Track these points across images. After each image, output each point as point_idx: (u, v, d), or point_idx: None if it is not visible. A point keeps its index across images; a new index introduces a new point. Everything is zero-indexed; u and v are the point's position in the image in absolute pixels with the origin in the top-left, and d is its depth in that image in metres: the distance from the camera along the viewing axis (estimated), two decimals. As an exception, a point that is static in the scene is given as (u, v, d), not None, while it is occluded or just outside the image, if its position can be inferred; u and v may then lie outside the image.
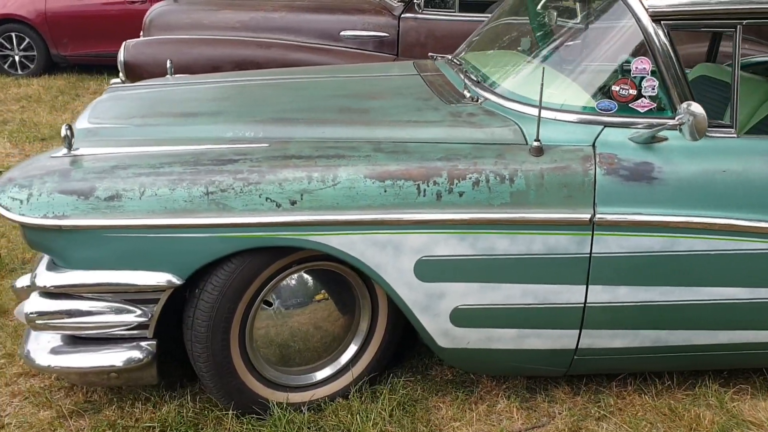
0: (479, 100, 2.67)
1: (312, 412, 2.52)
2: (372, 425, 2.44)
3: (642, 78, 2.41)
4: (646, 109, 2.42)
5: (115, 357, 2.36)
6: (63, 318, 2.32)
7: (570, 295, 2.41)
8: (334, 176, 2.29)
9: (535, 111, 2.42)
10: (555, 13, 3.11)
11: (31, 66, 8.81)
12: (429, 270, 2.35)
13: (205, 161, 2.32)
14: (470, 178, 2.30)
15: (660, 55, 2.39)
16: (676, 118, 2.28)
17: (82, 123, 2.69)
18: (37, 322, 2.32)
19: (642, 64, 2.40)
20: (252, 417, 2.48)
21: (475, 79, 2.85)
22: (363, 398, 2.58)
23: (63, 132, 2.37)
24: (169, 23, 5.68)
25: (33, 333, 2.49)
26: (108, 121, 2.68)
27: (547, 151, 2.36)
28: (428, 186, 2.30)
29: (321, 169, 2.30)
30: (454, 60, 3.31)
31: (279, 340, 2.55)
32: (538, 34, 3.15)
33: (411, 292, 2.37)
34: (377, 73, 3.37)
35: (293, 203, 2.27)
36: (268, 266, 2.38)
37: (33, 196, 2.25)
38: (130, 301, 2.33)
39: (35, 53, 8.77)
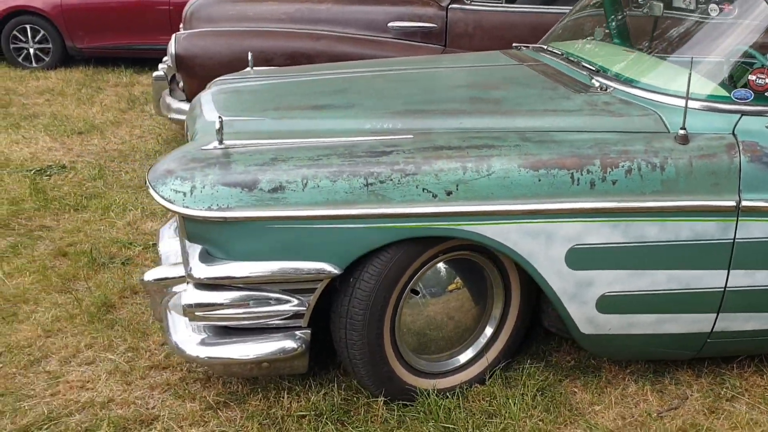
0: (608, 89, 2.71)
1: (455, 397, 2.55)
2: (518, 409, 2.49)
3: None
4: (774, 95, 2.49)
5: (269, 347, 2.38)
6: (222, 309, 2.33)
7: (711, 279, 2.47)
8: (488, 166, 2.33)
9: (672, 100, 2.48)
10: (660, 4, 3.16)
11: (46, 59, 8.69)
12: (580, 258, 2.40)
13: (360, 153, 2.34)
14: (623, 167, 2.35)
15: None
16: (819, 107, 2.35)
17: (211, 116, 2.69)
18: (196, 313, 2.33)
19: (778, 54, 2.47)
20: (399, 404, 2.51)
21: (593, 69, 2.90)
22: (501, 384, 2.62)
23: (216, 125, 2.37)
24: (213, 15, 5.64)
25: (179, 323, 2.50)
26: (241, 114, 2.68)
27: (692, 139, 2.42)
28: (582, 175, 2.34)
29: (474, 159, 2.34)
30: (550, 49, 3.35)
31: (416, 327, 2.58)
32: (653, 25, 3.21)
33: (561, 280, 2.42)
34: (475, 64, 3.40)
35: (449, 193, 2.31)
36: (419, 256, 2.41)
37: (196, 189, 2.25)
38: (288, 291, 2.35)
39: (50, 46, 8.65)
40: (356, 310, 2.38)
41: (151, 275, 2.72)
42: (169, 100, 5.46)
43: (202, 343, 2.42)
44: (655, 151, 2.39)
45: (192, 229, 2.32)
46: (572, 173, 2.34)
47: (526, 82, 2.93)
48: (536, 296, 2.67)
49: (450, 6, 5.51)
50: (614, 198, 2.35)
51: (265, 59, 5.24)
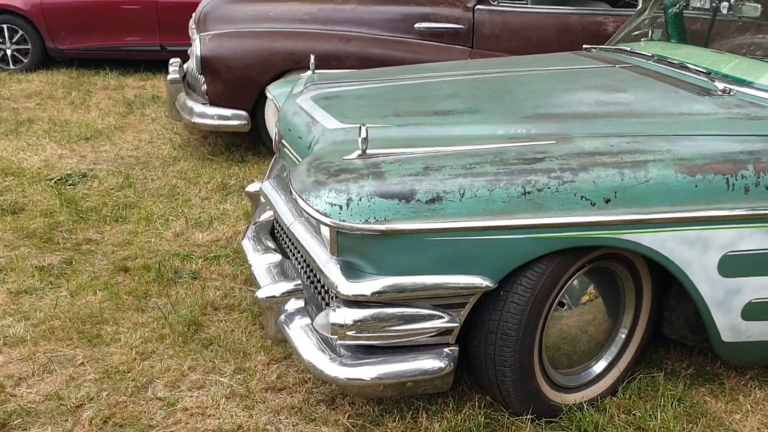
0: (731, 92, 2.68)
1: (596, 411, 2.48)
2: (663, 421, 2.42)
3: None
4: None
5: (417, 365, 2.25)
6: (374, 327, 2.19)
7: None
8: (645, 173, 2.26)
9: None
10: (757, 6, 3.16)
11: (25, 60, 8.26)
12: (732, 265, 2.35)
13: (512, 160, 2.24)
14: (748, 168, 2.32)
15: None
16: None
17: (331, 123, 2.55)
18: (348, 333, 2.19)
19: None
20: (543, 420, 2.42)
21: (703, 71, 2.86)
22: (635, 395, 2.56)
23: (362, 133, 2.24)
24: (231, 16, 5.44)
25: (308, 342, 2.36)
26: (361, 122, 2.54)
27: (833, 142, 2.40)
28: (736, 180, 2.30)
29: (630, 165, 2.26)
30: (636, 51, 3.31)
31: (557, 341, 2.49)
32: (731, 26, 3.20)
33: (711, 287, 2.37)
34: (564, 66, 3.31)
35: (607, 201, 2.23)
36: (571, 266, 2.33)
37: (353, 201, 2.11)
38: (439, 307, 2.24)
39: (29, 47, 8.23)
40: (509, 325, 2.28)
41: (264, 293, 2.57)
42: (191, 103, 5.23)
43: (342, 363, 2.28)
44: (791, 153, 2.36)
45: (345, 242, 2.17)
46: (727, 178, 2.29)
47: (640, 85, 2.87)
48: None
49: (476, 7, 5.44)
50: (767, 203, 2.32)
51: (294, 60, 5.09)
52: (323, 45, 5.17)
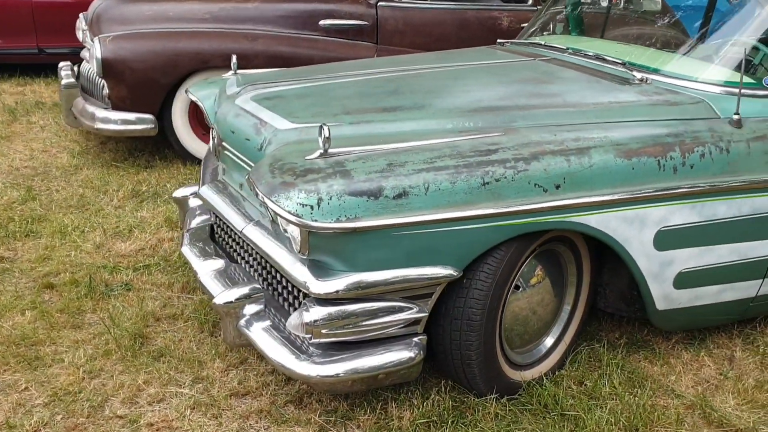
0: (647, 81, 2.89)
1: (549, 382, 2.62)
2: (613, 388, 2.61)
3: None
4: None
5: (389, 357, 2.30)
6: (347, 322, 2.23)
7: (763, 248, 2.74)
8: (588, 158, 2.41)
9: (714, 88, 2.72)
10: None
11: None
12: (665, 240, 2.56)
13: (469, 153, 2.33)
14: (697, 151, 2.54)
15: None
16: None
17: (283, 124, 2.54)
18: (322, 330, 2.21)
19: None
20: (507, 399, 2.53)
21: (619, 62, 3.07)
22: (583, 367, 2.73)
23: (321, 133, 2.25)
24: (128, 17, 5.22)
25: (273, 343, 2.37)
26: (312, 121, 2.55)
27: (743, 123, 2.66)
28: (666, 161, 2.50)
29: (575, 152, 2.41)
30: (548, 45, 3.50)
31: (512, 322, 2.60)
32: (633, 19, 3.45)
33: (648, 262, 2.56)
34: (489, 60, 3.42)
35: (557, 187, 2.37)
36: (526, 251, 2.45)
37: (323, 201, 2.13)
38: (407, 298, 2.30)
39: None
40: (473, 311, 2.37)
41: (221, 299, 2.53)
42: (92, 109, 4.99)
43: (314, 361, 2.29)
44: (720, 136, 2.60)
45: (316, 242, 2.19)
46: (658, 160, 2.49)
47: (565, 76, 3.04)
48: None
49: (379, 3, 5.52)
50: (692, 181, 2.54)
51: (201, 61, 4.98)
52: (230, 44, 5.07)
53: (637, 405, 2.51)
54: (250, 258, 2.74)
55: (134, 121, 4.96)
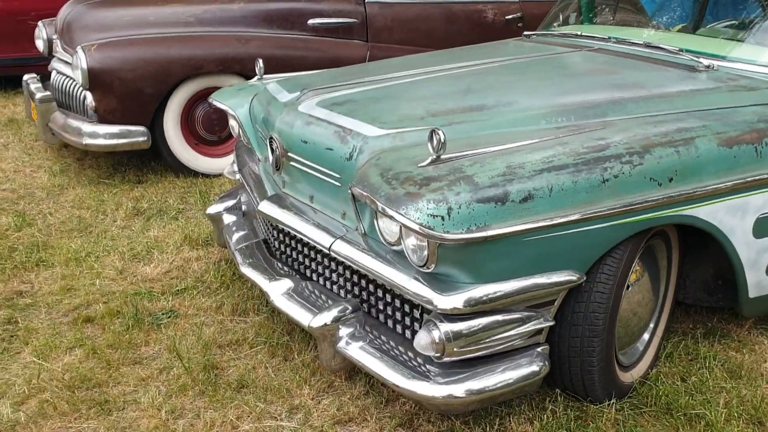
0: (714, 68, 2.86)
1: (655, 381, 2.55)
2: (716, 383, 2.56)
3: None
4: None
5: (519, 371, 2.17)
6: (477, 338, 2.09)
7: None
8: (696, 149, 2.35)
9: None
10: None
11: None
12: (763, 226, 2.52)
13: (582, 150, 2.23)
14: (777, 137, 2.52)
15: None
16: None
17: (372, 131, 2.38)
18: (454, 348, 2.06)
19: None
20: (618, 402, 2.44)
21: (675, 50, 3.02)
22: (677, 363, 2.67)
23: (435, 138, 2.10)
24: (105, 23, 4.88)
25: (389, 365, 2.21)
26: (400, 126, 2.40)
27: (821, 104, 2.65)
28: (763, 147, 2.46)
29: (681, 143, 2.34)
30: (584, 34, 3.43)
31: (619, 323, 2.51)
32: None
33: (748, 250, 2.52)
34: (534, 54, 3.31)
35: (670, 180, 2.29)
36: (638, 248, 2.37)
37: (453, 210, 1.98)
38: (531, 308, 2.18)
39: None
40: (596, 315, 2.27)
41: (318, 322, 2.36)
42: (76, 123, 4.65)
43: (437, 382, 2.14)
44: (805, 119, 2.59)
45: (444, 254, 2.03)
46: (755, 147, 2.45)
47: (631, 66, 2.97)
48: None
49: (366, 0, 5.36)
50: (786, 166, 2.51)
51: (194, 67, 4.71)
52: (223, 49, 4.82)
53: (754, 397, 2.46)
54: (334, 274, 2.56)
55: (125, 134, 4.64)
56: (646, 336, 2.68)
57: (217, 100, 3.41)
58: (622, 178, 2.21)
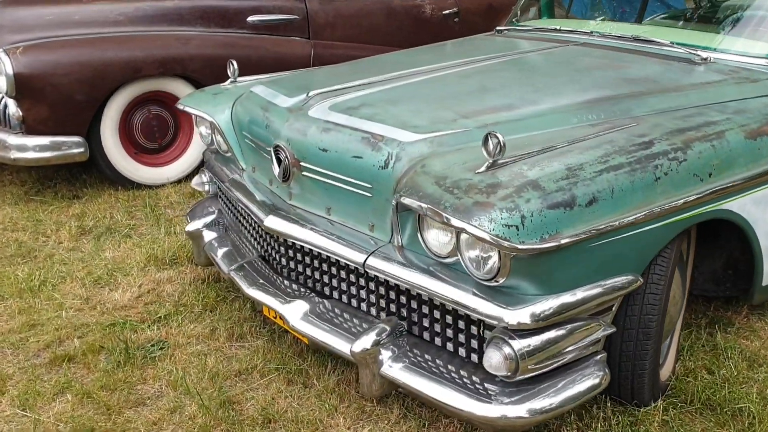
0: (711, 60, 2.88)
1: (689, 376, 2.54)
2: (741, 370, 2.58)
3: None
4: None
5: (586, 382, 2.08)
6: (548, 352, 1.97)
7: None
8: (727, 142, 2.34)
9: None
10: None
11: None
12: (781, 216, 2.56)
13: (629, 148, 2.16)
14: (798, 126, 2.56)
15: None
16: None
17: (407, 136, 2.21)
18: (528, 366, 1.94)
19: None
20: (660, 404, 2.40)
21: (665, 43, 3.03)
22: (703, 356, 2.68)
23: (492, 141, 1.97)
24: (24, 23, 4.41)
25: (442, 387, 2.07)
26: (437, 129, 2.24)
27: (817, 94, 2.72)
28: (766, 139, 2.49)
29: (714, 137, 2.32)
30: (568, 30, 3.40)
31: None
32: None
33: (766, 239, 2.55)
34: (527, 50, 3.23)
35: (710, 175, 2.27)
36: (681, 246, 2.33)
37: (526, 219, 1.86)
38: (593, 315, 2.09)
39: None
40: (650, 318, 2.21)
41: (359, 347, 2.17)
42: (1, 136, 4.16)
43: (502, 402, 2.01)
44: (808, 108, 2.64)
45: (517, 266, 1.90)
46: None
47: (632, 60, 2.93)
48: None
49: (306, -5, 5.15)
50: (799, 155, 2.55)
51: (134, 70, 4.34)
52: (163, 49, 4.47)
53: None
54: (362, 291, 2.37)
55: (59, 146, 4.22)
56: (675, 332, 2.67)
57: (190, 106, 3.12)
58: (671, 176, 2.16)
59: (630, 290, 2.12)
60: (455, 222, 1.87)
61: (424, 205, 1.95)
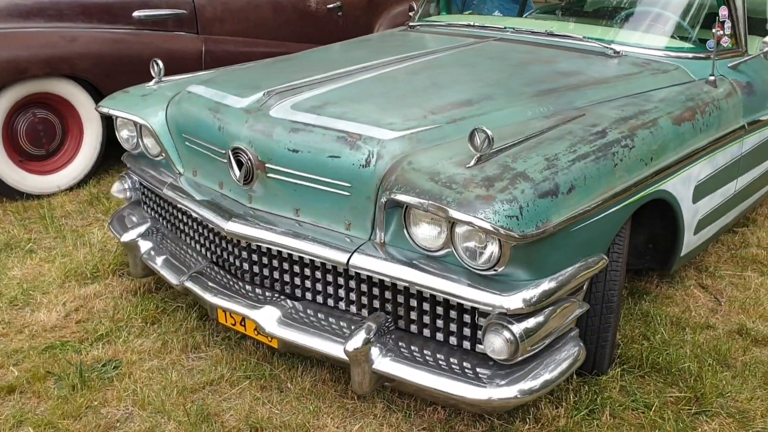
0: (621, 54, 3.12)
1: (630, 342, 2.78)
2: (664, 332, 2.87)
3: (723, 21, 3.27)
4: (726, 44, 3.29)
5: (569, 360, 2.21)
6: (541, 333, 2.09)
7: (743, 180, 3.23)
8: (660, 128, 2.57)
9: (681, 54, 3.09)
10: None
11: None
12: (698, 193, 2.85)
13: (589, 138, 2.32)
14: (707, 112, 2.86)
15: (733, 3, 3.27)
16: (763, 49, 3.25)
17: (384, 134, 2.24)
18: (528, 347, 2.05)
19: (724, 11, 3.25)
20: (618, 372, 2.61)
21: (578, 37, 3.25)
22: (632, 322, 2.94)
23: (479, 136, 2.05)
24: None
25: (435, 375, 2.14)
26: (412, 126, 2.28)
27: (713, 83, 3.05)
28: (695, 122, 2.77)
29: (650, 124, 2.55)
30: (485, 26, 3.55)
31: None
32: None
33: (689, 215, 2.84)
34: (447, 46, 3.29)
35: (651, 159, 2.49)
36: (626, 225, 2.54)
37: (524, 209, 1.96)
38: (570, 295, 2.24)
39: None
40: (612, 293, 2.42)
41: (351, 346, 2.19)
42: None
43: (498, 385, 2.11)
44: (712, 96, 2.95)
45: (516, 254, 2.00)
46: (692, 123, 2.76)
47: (555, 55, 3.10)
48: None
49: (192, -11, 4.96)
50: (710, 137, 2.85)
51: (17, 71, 4.01)
52: (49, 48, 4.17)
53: (706, 343, 2.79)
54: (340, 290, 2.37)
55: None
56: (612, 304, 2.90)
57: (115, 109, 2.95)
58: (625, 161, 2.35)
59: (598, 268, 2.29)
60: (460, 216, 1.93)
61: (424, 201, 2.00)
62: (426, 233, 2.15)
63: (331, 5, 5.80)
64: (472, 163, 2.07)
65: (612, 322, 2.45)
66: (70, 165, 4.37)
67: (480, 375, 2.15)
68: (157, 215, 3.08)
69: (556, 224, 2.04)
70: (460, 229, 2.05)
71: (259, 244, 2.43)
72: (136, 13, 4.68)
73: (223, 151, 2.53)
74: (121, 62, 4.47)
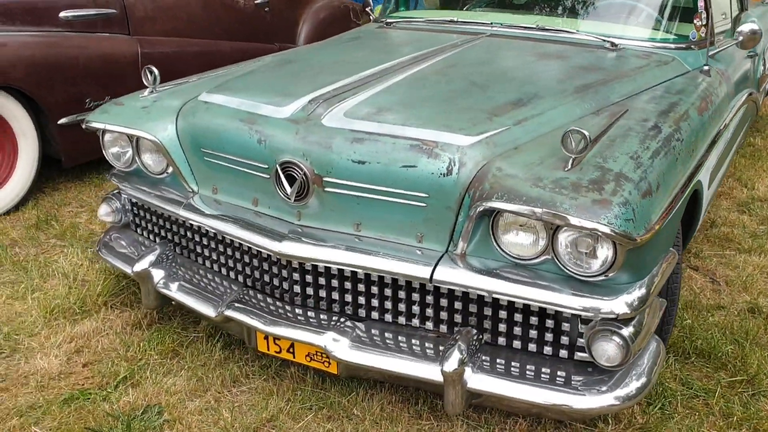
0: (619, 47, 3.16)
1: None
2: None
3: (701, 12, 3.40)
4: (703, 34, 3.43)
5: (655, 355, 2.20)
6: (642, 333, 2.07)
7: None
8: (692, 120, 2.62)
9: (671, 45, 3.19)
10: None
11: None
12: (711, 179, 2.95)
13: (650, 134, 2.31)
14: (713, 101, 2.96)
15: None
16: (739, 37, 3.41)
17: (461, 140, 2.13)
18: (636, 350, 2.03)
19: (701, 2, 3.38)
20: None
21: (572, 31, 3.26)
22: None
23: (574, 138, 1.99)
24: None
25: (530, 386, 2.08)
26: (484, 129, 2.18)
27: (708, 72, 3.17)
28: (709, 112, 2.86)
29: (685, 117, 2.59)
30: (469, 21, 3.49)
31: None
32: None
33: (705, 201, 2.93)
34: (442, 44, 3.18)
35: (693, 150, 2.53)
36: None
37: (636, 211, 1.93)
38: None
39: None
40: (676, 285, 2.45)
41: (450, 366, 2.07)
42: None
43: (600, 391, 2.07)
44: (710, 85, 3.06)
45: (628, 258, 1.95)
46: (708, 113, 2.83)
47: (560, 50, 3.07)
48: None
49: (120, -13, 4.56)
50: (718, 125, 2.95)
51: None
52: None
53: (740, 320, 2.91)
54: (414, 306, 2.24)
55: None
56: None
57: (113, 124, 2.63)
58: (682, 155, 2.37)
59: (674, 263, 2.30)
60: (581, 222, 1.86)
61: (537, 210, 1.91)
62: (520, 241, 2.07)
63: (259, 1, 5.56)
64: (570, 165, 2.01)
65: (674, 314, 2.49)
66: (7, 186, 3.90)
67: (574, 383, 2.10)
68: (159, 238, 2.79)
69: (655, 223, 2.02)
70: (564, 235, 1.99)
71: (318, 264, 2.25)
72: (62, 14, 4.25)
73: (266, 166, 2.32)
74: (56, 69, 4.03)
